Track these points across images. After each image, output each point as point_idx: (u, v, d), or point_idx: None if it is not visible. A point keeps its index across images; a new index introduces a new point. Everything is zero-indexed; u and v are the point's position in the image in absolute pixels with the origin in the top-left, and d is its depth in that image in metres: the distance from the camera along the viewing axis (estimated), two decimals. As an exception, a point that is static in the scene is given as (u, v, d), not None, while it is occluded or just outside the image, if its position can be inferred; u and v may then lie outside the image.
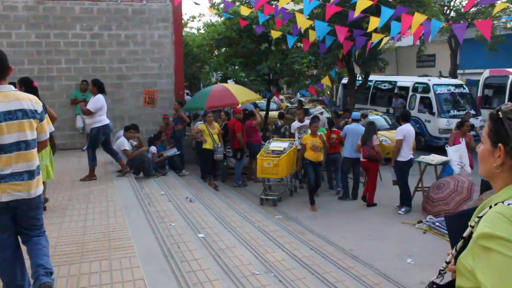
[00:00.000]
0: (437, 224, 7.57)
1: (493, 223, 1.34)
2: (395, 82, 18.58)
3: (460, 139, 9.02)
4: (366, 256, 6.47)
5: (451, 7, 24.05)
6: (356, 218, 8.27)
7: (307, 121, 10.03)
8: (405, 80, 18.23)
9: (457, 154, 8.81)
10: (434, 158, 9.31)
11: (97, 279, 4.21)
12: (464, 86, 17.10)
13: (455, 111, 15.75)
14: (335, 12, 8.63)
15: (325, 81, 12.88)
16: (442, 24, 8.69)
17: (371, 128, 9.04)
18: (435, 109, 15.62)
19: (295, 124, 10.59)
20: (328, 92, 25.04)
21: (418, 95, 16.55)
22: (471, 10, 22.37)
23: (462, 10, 23.29)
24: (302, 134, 9.88)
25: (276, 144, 9.57)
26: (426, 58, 27.64)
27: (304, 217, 8.32)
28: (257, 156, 9.13)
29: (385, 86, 19.38)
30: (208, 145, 10.13)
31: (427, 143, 15.66)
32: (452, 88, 16.42)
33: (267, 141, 10.08)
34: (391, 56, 27.87)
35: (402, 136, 8.41)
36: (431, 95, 15.89)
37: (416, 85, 16.95)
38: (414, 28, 7.77)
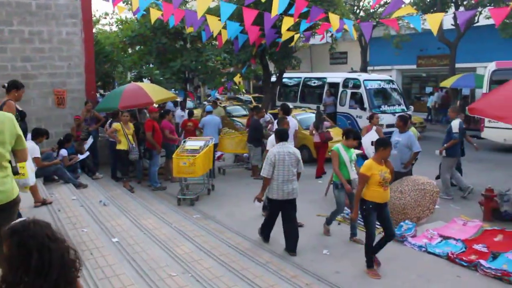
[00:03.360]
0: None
1: None
2: (325, 78, 18.31)
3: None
4: (284, 250, 6.59)
5: (361, 7, 25.17)
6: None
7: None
8: (335, 76, 18.01)
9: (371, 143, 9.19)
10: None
11: (-2, 294, 3.93)
12: (394, 82, 17.21)
13: (386, 106, 15.78)
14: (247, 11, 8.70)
15: (237, 78, 12.99)
16: (352, 23, 9.06)
17: (320, 116, 10.95)
18: (366, 105, 15.46)
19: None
20: (244, 90, 25.21)
21: (349, 91, 16.33)
22: (379, 10, 23.58)
23: (370, 10, 24.47)
24: None
25: (192, 143, 9.49)
26: (338, 56, 28.82)
27: (222, 215, 8.33)
28: (173, 156, 8.98)
29: (314, 82, 19.02)
30: (122, 146, 9.82)
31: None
32: (382, 84, 16.39)
33: (183, 140, 9.93)
34: (305, 54, 28.71)
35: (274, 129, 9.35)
36: (362, 90, 15.73)
37: (346, 81, 16.70)
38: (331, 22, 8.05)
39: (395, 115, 14.10)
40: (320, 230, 7.44)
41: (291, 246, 6.49)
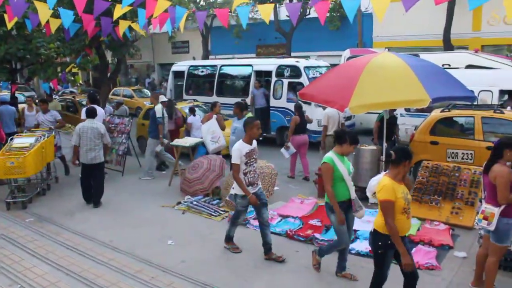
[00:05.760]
0: (195, 203, 7.97)
1: None
2: (250, 65, 15.12)
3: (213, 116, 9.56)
4: (127, 245, 6.39)
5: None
6: (116, 208, 8.08)
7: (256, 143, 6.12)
8: (265, 63, 14.99)
9: (210, 131, 9.30)
10: (187, 141, 9.76)
11: None
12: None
13: None
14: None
15: (74, 68, 12.17)
16: (187, 12, 9.01)
17: (172, 105, 11.14)
18: None
19: (242, 146, 5.83)
20: (81, 82, 23.77)
21: (286, 81, 13.62)
22: (219, 0, 24.08)
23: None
24: (253, 165, 5.99)
25: (21, 140, 8.59)
26: (180, 45, 28.96)
27: (60, 215, 7.72)
28: (-3, 156, 8.04)
29: (236, 71, 15.92)
30: None
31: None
32: (323, 71, 13.76)
33: (10, 138, 8.95)
34: (146, 42, 28.16)
35: (83, 116, 8.98)
36: (304, 79, 13.05)
37: (281, 68, 13.90)
38: (157, 13, 7.90)
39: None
40: (165, 222, 7.38)
41: (96, 200, 8.21)
